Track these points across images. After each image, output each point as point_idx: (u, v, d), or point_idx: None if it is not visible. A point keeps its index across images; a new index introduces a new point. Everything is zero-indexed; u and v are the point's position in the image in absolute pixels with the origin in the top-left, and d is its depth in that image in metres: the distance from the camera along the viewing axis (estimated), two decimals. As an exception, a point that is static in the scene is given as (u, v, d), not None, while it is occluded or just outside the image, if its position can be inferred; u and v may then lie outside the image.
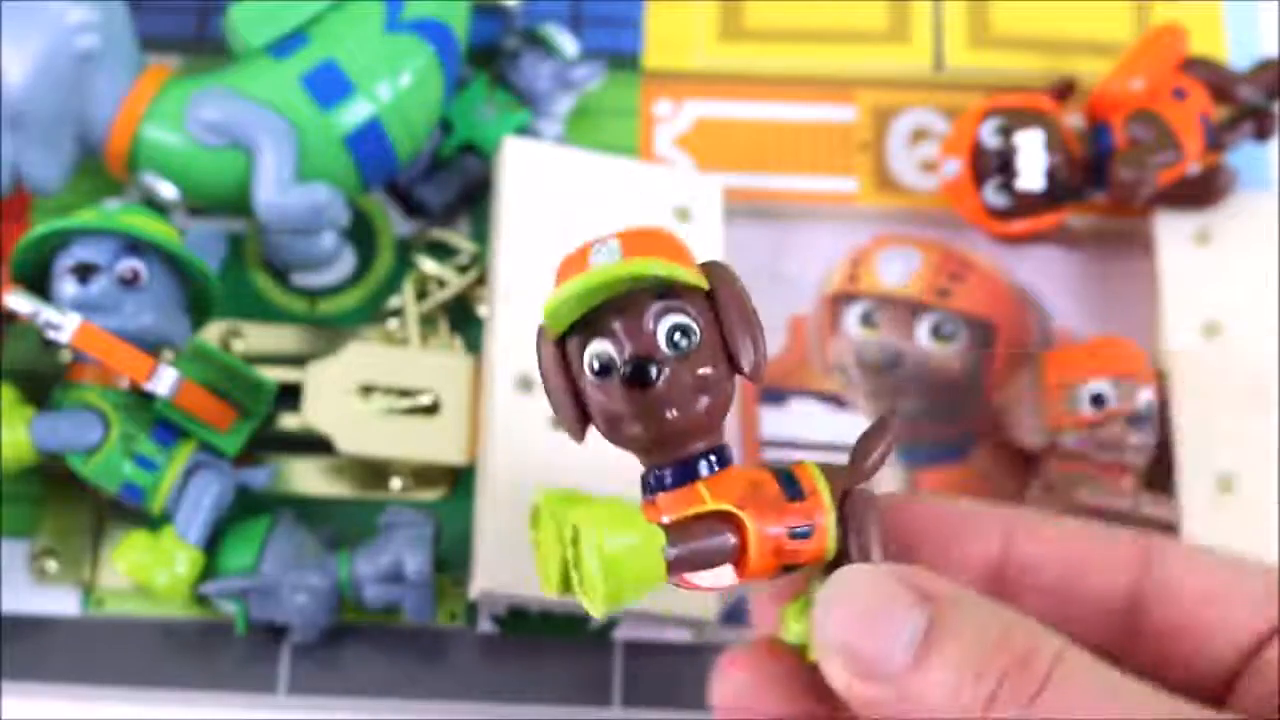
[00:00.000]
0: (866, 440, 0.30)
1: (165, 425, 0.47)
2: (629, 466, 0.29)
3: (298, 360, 0.51)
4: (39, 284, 0.47)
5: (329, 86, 0.50)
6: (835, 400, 0.53)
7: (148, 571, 0.47)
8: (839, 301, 0.55)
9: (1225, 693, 0.26)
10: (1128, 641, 0.27)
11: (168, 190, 0.51)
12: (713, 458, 0.28)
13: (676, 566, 0.27)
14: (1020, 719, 0.23)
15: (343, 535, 0.49)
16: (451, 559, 0.49)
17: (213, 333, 0.52)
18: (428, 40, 0.51)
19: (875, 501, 0.29)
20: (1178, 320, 0.52)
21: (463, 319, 0.53)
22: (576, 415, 0.28)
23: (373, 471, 0.51)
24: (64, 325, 0.45)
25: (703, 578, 0.28)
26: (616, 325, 0.27)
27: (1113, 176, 0.52)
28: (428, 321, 0.53)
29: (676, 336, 0.27)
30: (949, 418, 0.53)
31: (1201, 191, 0.54)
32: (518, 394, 0.49)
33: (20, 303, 0.45)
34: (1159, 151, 0.52)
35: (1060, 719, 0.23)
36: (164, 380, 0.45)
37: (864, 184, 0.56)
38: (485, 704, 0.48)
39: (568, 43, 0.56)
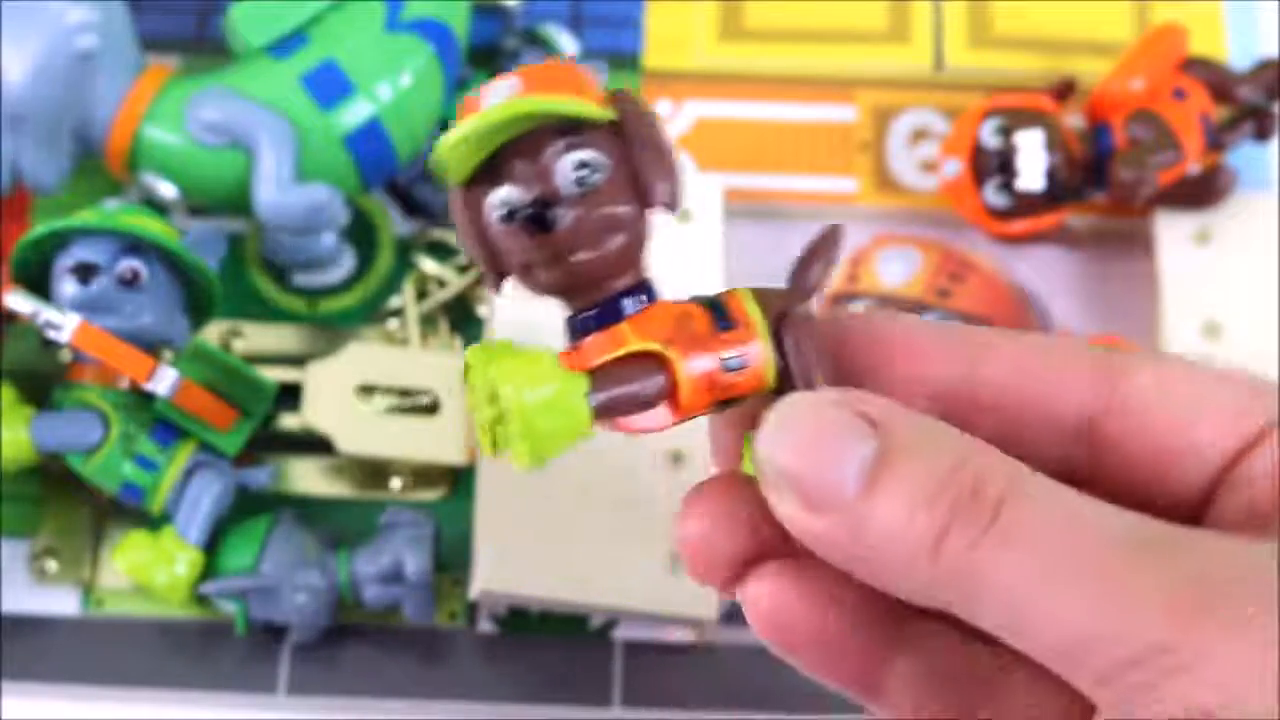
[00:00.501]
0: (806, 257, 0.28)
1: (165, 425, 0.47)
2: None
3: (298, 360, 0.51)
4: (39, 284, 0.47)
5: (329, 86, 0.50)
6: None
7: (148, 571, 0.47)
8: (839, 301, 0.55)
9: (1201, 510, 0.25)
10: (1096, 462, 0.26)
11: (168, 190, 0.51)
12: (638, 295, 0.27)
13: (603, 413, 0.26)
14: (974, 546, 0.23)
15: (343, 535, 0.49)
16: (451, 559, 0.49)
17: (213, 333, 0.52)
18: (428, 40, 0.51)
19: (814, 323, 0.27)
20: (1178, 320, 0.52)
21: (463, 319, 0.53)
22: (492, 266, 0.27)
23: (373, 471, 0.51)
24: (64, 325, 0.45)
25: (637, 420, 0.26)
26: (517, 167, 0.26)
27: (1113, 176, 0.52)
28: (428, 321, 0.53)
29: (582, 173, 0.26)
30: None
31: (1201, 191, 0.54)
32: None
33: (20, 303, 0.45)
34: (1159, 151, 0.52)
35: (1015, 547, 0.22)
36: (164, 380, 0.45)
37: (864, 184, 0.56)
38: (485, 704, 0.48)
39: (568, 43, 0.56)
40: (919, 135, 0.57)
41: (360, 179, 0.52)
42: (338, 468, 0.51)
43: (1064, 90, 0.55)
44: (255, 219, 0.51)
